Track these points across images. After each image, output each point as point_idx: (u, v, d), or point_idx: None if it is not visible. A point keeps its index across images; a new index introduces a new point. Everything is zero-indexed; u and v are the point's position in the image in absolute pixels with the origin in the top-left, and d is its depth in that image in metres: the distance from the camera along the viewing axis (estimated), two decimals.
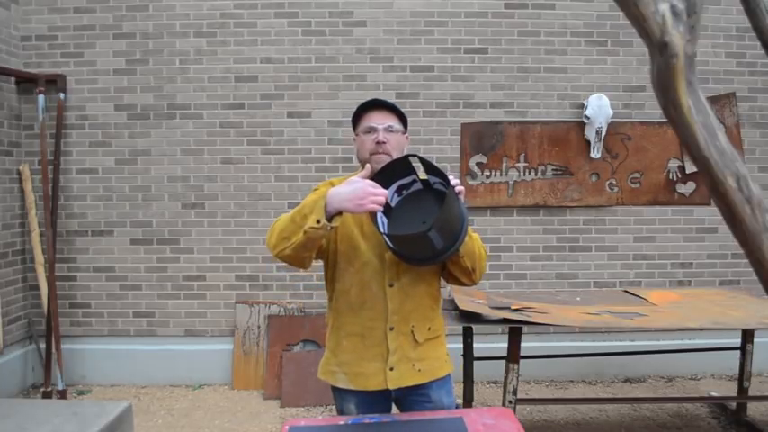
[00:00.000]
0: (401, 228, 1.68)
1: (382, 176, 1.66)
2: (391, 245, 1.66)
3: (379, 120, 1.74)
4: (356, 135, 1.80)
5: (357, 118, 1.79)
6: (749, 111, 4.16)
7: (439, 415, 1.64)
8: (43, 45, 4.02)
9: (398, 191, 1.73)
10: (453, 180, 1.61)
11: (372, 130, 1.73)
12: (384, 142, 1.71)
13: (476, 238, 1.74)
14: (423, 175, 1.68)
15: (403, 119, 1.79)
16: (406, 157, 1.66)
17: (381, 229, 1.63)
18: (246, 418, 3.54)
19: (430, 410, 1.72)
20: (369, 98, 1.79)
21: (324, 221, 1.52)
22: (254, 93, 4.03)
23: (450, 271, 1.75)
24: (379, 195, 1.51)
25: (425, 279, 1.76)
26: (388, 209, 1.71)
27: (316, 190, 1.80)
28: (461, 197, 1.64)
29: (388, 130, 1.73)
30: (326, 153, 4.05)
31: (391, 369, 1.72)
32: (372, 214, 1.63)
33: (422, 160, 1.63)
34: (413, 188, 1.72)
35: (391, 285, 1.72)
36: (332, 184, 1.80)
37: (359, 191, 1.51)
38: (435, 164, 1.62)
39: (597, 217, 4.16)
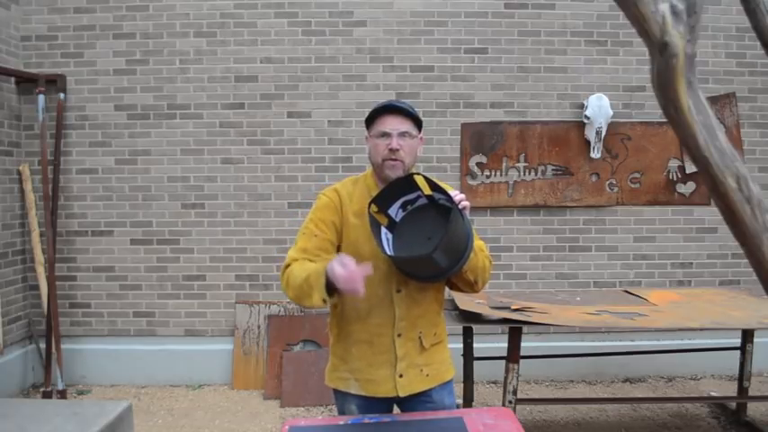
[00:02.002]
0: (406, 244, 1.67)
1: (387, 192, 1.65)
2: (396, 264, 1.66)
3: (394, 125, 1.68)
4: (368, 136, 1.75)
5: (371, 120, 1.74)
6: (749, 111, 4.16)
7: (439, 415, 1.64)
8: (43, 45, 4.02)
9: (403, 206, 1.71)
10: (459, 195, 1.60)
11: (386, 135, 1.68)
12: (397, 149, 1.66)
13: (481, 247, 1.73)
14: (427, 190, 1.66)
15: (418, 122, 1.75)
16: (410, 175, 1.64)
17: (386, 250, 1.62)
18: (246, 418, 3.53)
19: (431, 411, 1.72)
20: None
21: (328, 300, 1.54)
22: (254, 93, 4.03)
23: (454, 282, 1.75)
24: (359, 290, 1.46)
25: (434, 284, 1.75)
26: (392, 225, 1.70)
27: (323, 196, 1.78)
28: (466, 212, 1.62)
29: (403, 135, 1.68)
30: (326, 153, 4.04)
31: (401, 376, 1.71)
32: (376, 231, 1.62)
33: (426, 179, 1.62)
34: (417, 203, 1.70)
35: (399, 291, 1.70)
36: (336, 191, 1.78)
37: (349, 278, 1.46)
38: (437, 181, 1.61)
39: (597, 217, 4.16)
